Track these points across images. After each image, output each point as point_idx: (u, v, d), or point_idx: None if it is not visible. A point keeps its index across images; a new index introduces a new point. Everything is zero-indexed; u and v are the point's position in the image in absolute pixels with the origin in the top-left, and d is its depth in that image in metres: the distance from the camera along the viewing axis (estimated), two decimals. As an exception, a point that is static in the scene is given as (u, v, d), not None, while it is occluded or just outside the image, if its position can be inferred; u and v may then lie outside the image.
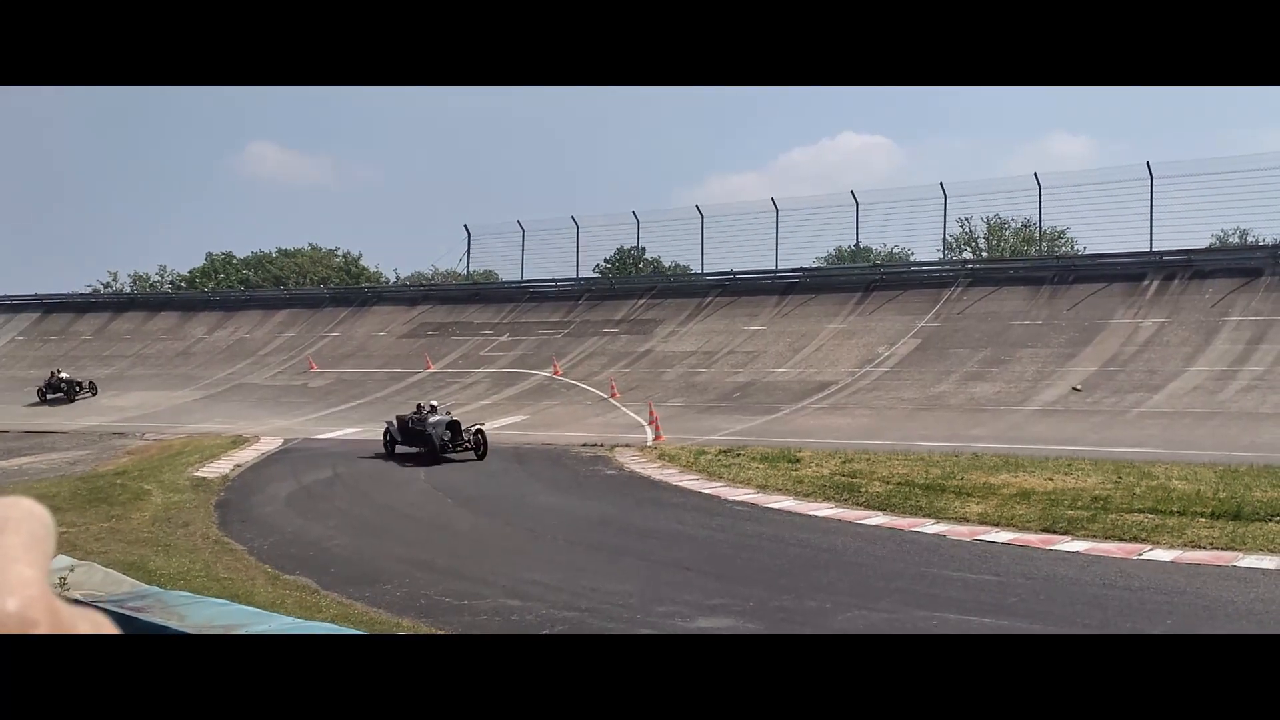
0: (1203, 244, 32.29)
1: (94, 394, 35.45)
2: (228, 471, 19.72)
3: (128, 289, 58.33)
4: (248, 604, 8.55)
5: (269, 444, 23.25)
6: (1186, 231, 31.38)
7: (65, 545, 12.44)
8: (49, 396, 34.54)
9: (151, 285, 60.03)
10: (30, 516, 0.65)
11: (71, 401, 34.39)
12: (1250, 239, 36.32)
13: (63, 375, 35.63)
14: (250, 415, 28.81)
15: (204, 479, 18.91)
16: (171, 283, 60.70)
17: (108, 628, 0.66)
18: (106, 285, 58.83)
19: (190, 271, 61.11)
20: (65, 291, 52.18)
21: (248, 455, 21.72)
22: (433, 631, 9.89)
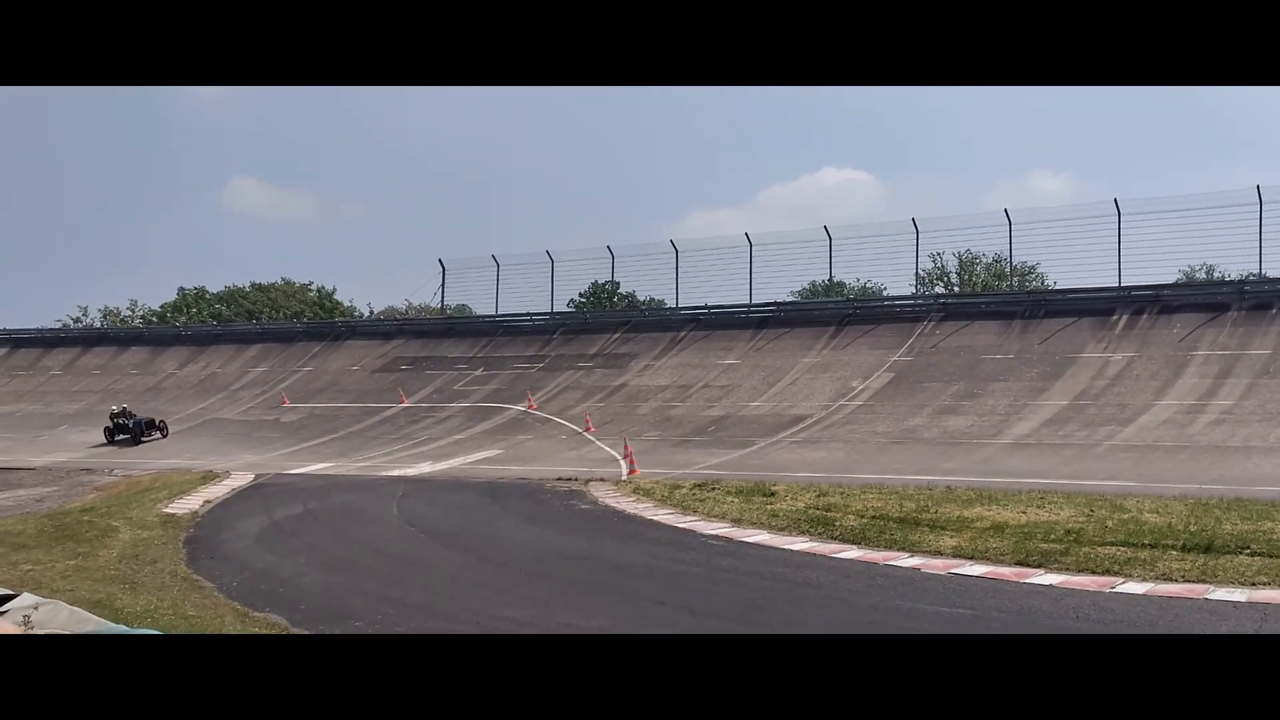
0: (1170, 279, 32.78)
1: (164, 435, 32.26)
2: (197, 507, 19.47)
3: (98, 323, 57.79)
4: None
5: (240, 479, 23.01)
6: (1154, 267, 31.91)
7: (31, 583, 12.22)
8: (117, 438, 31.61)
9: (122, 320, 59.51)
10: None
11: (136, 444, 31.26)
12: (1217, 274, 36.90)
13: (127, 413, 32.16)
14: (221, 451, 28.54)
15: (173, 515, 18.66)
16: (143, 317, 60.19)
17: None
18: (76, 320, 58.27)
19: (162, 306, 60.65)
20: (34, 326, 51.69)
21: (218, 491, 21.47)
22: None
